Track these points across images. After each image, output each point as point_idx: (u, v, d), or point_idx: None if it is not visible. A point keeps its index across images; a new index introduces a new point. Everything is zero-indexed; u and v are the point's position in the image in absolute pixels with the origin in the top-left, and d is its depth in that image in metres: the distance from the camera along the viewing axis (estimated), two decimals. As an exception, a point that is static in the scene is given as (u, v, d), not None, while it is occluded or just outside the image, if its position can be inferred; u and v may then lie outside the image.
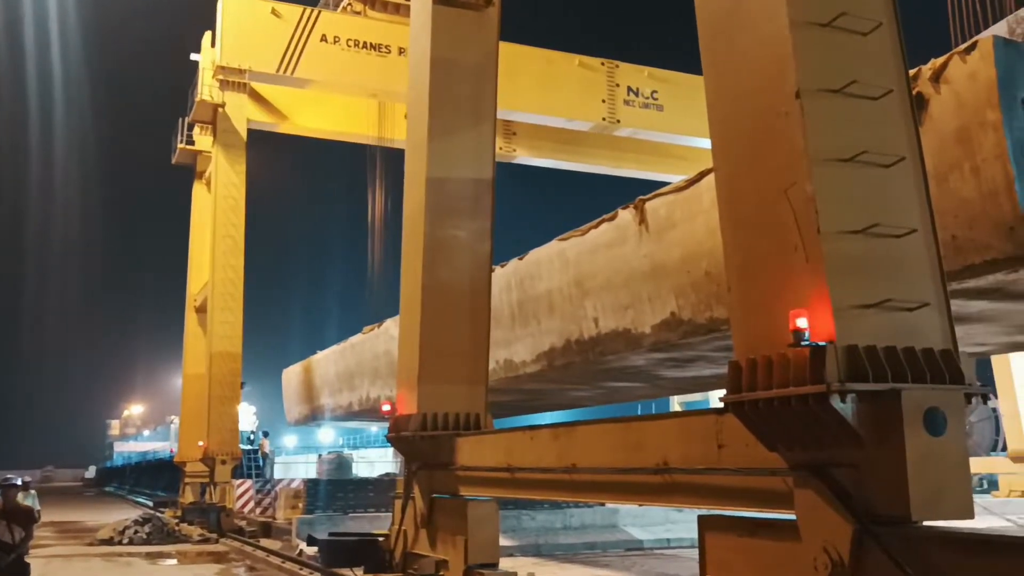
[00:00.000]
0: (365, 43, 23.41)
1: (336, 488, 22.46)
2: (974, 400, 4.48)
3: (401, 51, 23.40)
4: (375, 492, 22.11)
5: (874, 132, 4.74)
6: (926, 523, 4.22)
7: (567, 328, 11.90)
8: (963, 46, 6.74)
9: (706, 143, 20.41)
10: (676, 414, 5.83)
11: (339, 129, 25.75)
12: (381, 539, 10.28)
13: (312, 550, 14.37)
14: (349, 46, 23.27)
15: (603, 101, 24.74)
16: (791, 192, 4.63)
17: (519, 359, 12.94)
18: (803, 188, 4.56)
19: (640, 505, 6.10)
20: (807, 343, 4.33)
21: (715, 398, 35.66)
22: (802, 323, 4.35)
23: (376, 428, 40.36)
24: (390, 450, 43.79)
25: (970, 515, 4.24)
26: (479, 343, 9.50)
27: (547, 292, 12.25)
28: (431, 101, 9.47)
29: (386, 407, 9.83)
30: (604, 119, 24.64)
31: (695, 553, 17.90)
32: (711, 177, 9.57)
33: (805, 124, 4.59)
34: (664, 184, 19.70)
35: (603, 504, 20.93)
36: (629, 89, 25.12)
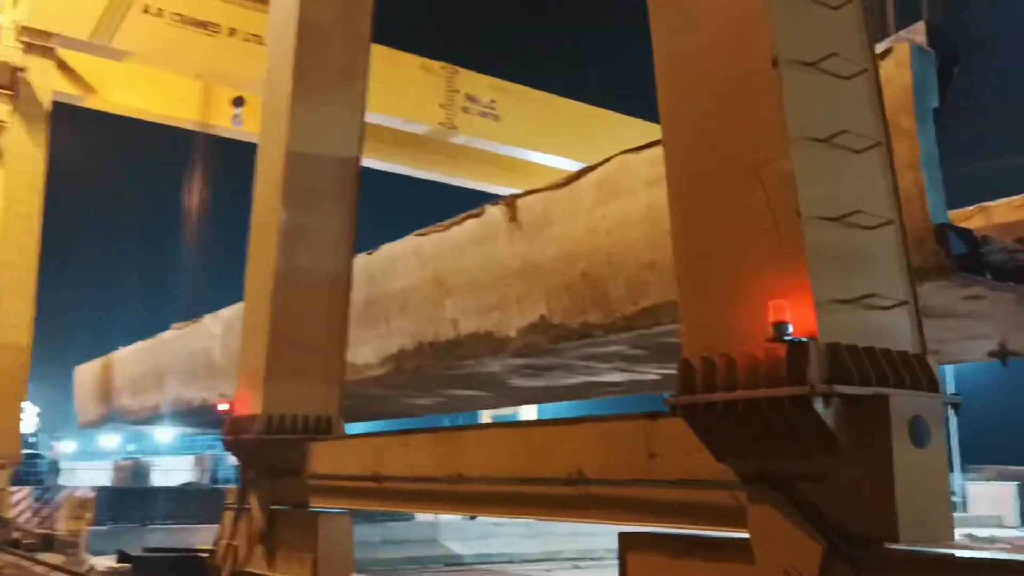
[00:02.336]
0: (193, 19, 21.75)
1: (132, 498, 20.57)
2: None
3: (232, 32, 21.94)
4: (176, 503, 20.41)
5: (847, 113, 4.33)
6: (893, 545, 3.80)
7: (422, 329, 11.13)
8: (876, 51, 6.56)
9: (542, 157, 20.15)
10: (595, 418, 5.22)
11: (157, 110, 23.88)
12: (205, 555, 9.14)
13: (105, 565, 12.87)
14: (175, 20, 21.53)
15: (441, 106, 24.15)
16: (763, 171, 4.13)
17: (362, 361, 12.02)
18: (779, 166, 4.07)
19: (550, 520, 5.45)
20: (789, 338, 3.82)
21: (525, 413, 35.71)
22: (782, 315, 3.84)
23: (174, 433, 37.82)
24: (189, 458, 41.15)
25: (951, 536, 3.85)
26: (336, 340, 8.59)
27: (400, 290, 11.44)
28: (296, 69, 8.50)
29: (223, 406, 8.73)
30: (442, 124, 24.05)
31: (515, 569, 17.44)
32: (593, 175, 9.15)
33: (783, 96, 4.11)
34: (499, 196, 19.23)
35: (413, 517, 20.26)
36: (468, 96, 24.64)
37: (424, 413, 17.89)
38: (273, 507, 8.18)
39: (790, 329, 3.83)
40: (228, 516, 8.77)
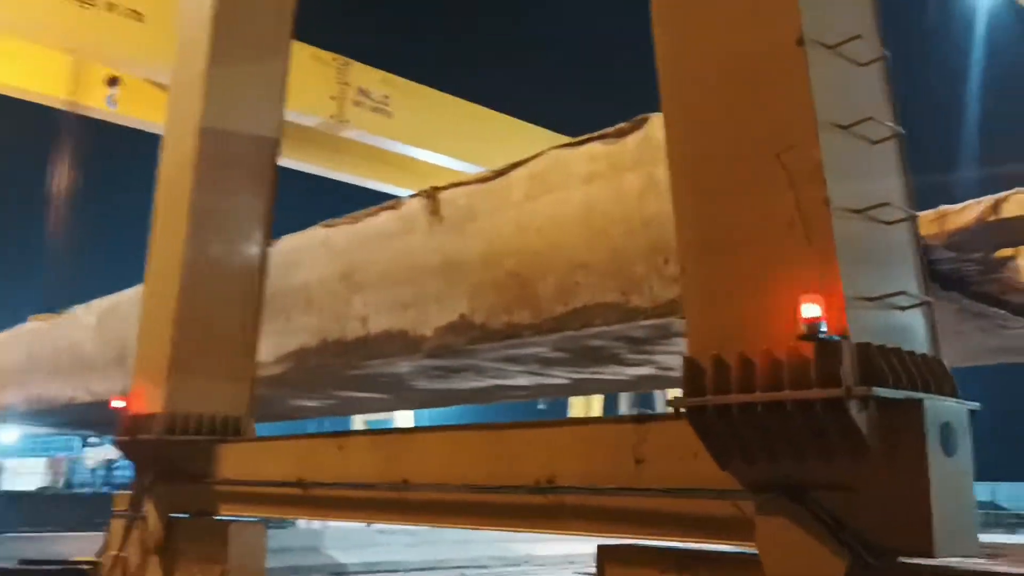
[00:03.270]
0: (66, -10, 20.32)
1: (-20, 503, 19.01)
2: (963, 417, 3.92)
3: (110, 6, 20.60)
4: (33, 509, 18.96)
5: (864, 102, 4.10)
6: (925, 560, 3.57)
7: (327, 326, 10.49)
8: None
9: (435, 157, 19.78)
10: (571, 421, 4.88)
11: (21, 85, 22.20)
12: (88, 568, 8.30)
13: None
14: (47, -10, 20.07)
15: (332, 98, 23.35)
16: (786, 157, 3.85)
17: (257, 359, 11.27)
18: (807, 153, 3.79)
19: (515, 531, 5.03)
20: (824, 336, 3.53)
21: (399, 419, 35.18)
22: (816, 312, 3.55)
23: (21, 433, 35.34)
24: (40, 460, 38.49)
25: (978, 551, 3.64)
26: (248, 333, 7.94)
27: (304, 285, 10.76)
28: (213, 39, 7.79)
29: (118, 403, 7.93)
30: (332, 117, 23.25)
31: (401, 578, 16.72)
32: (524, 169, 8.77)
33: (810, 78, 3.84)
34: (389, 195, 18.60)
35: (294, 523, 19.43)
36: (360, 90, 23.94)
37: (309, 416, 17.15)
38: (173, 515, 7.45)
39: (824, 327, 3.55)
40: (117, 524, 7.96)
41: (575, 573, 17.45)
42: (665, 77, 4.40)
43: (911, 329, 3.95)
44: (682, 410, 4.01)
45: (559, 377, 11.27)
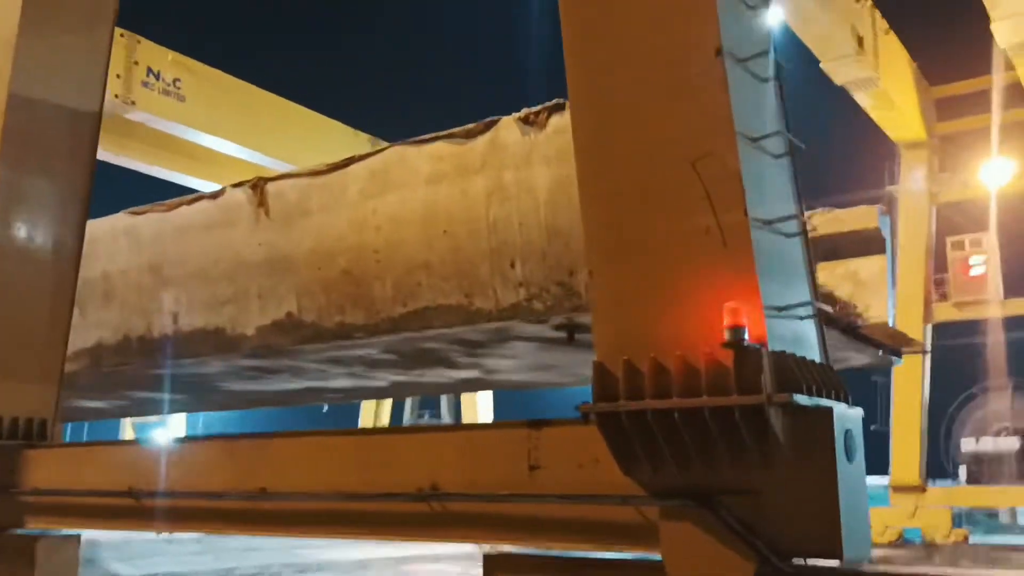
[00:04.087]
0: None
1: None
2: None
3: None
4: None
5: (765, 116, 4.21)
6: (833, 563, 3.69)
7: (130, 322, 9.70)
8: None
9: (229, 147, 18.90)
10: (456, 427, 4.69)
11: None
12: None
13: None
14: None
15: (118, 76, 21.79)
16: (701, 165, 3.88)
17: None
18: (723, 162, 3.83)
19: (394, 540, 4.78)
20: (746, 344, 3.57)
21: (176, 423, 33.30)
22: (740, 320, 3.59)
23: None
24: None
25: (871, 552, 3.80)
26: (57, 328, 7.16)
27: (104, 276, 9.90)
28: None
29: None
30: (118, 96, 21.67)
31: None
32: (363, 165, 8.46)
33: (729, 88, 3.89)
34: (185, 187, 17.34)
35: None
36: (149, 70, 22.49)
37: (93, 418, 15.86)
38: (-36, 531, 6.59)
39: (746, 334, 3.59)
40: None
41: (368, 579, 17.15)
42: (573, 76, 4.32)
43: (808, 339, 4.08)
44: (591, 415, 3.94)
45: (381, 380, 10.99)
